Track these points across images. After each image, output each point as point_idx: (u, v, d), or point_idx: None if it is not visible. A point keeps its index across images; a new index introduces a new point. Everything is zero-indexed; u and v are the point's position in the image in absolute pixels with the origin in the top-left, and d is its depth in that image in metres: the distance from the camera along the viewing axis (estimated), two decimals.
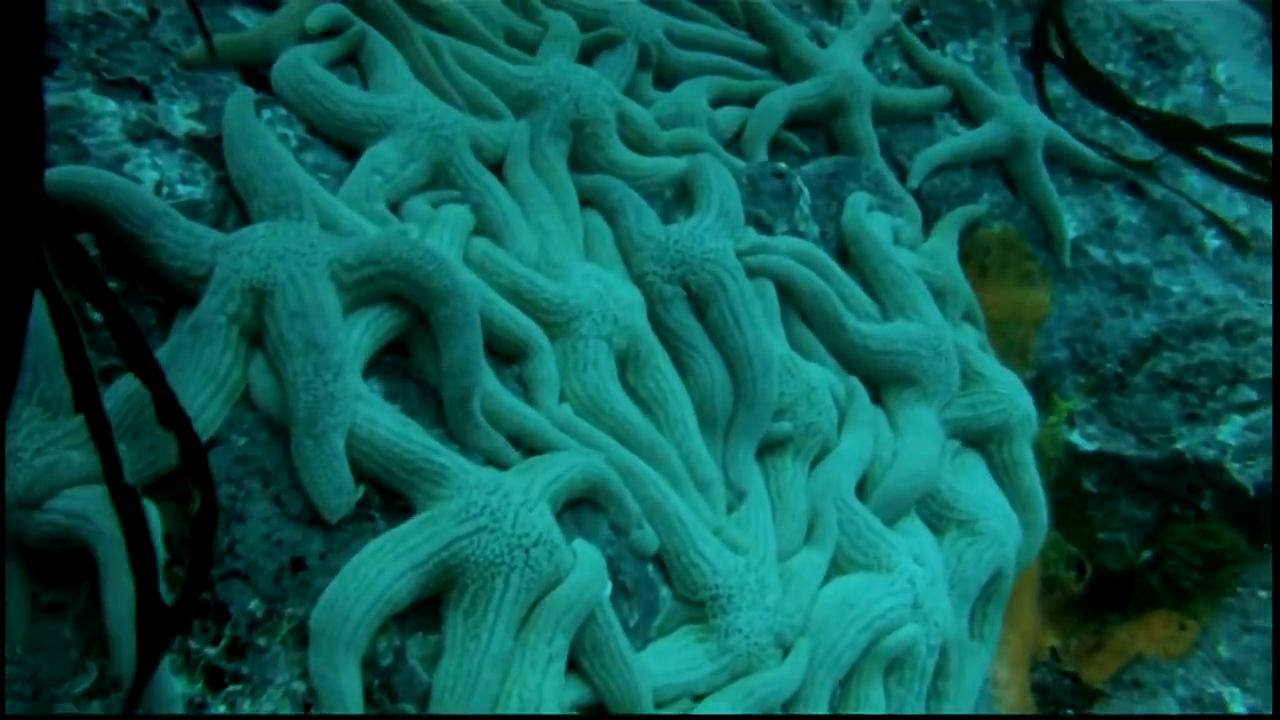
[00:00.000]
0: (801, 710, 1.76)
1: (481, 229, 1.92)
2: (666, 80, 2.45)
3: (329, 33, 2.00)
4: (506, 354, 1.80)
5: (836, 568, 1.92)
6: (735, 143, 2.43)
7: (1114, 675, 2.56)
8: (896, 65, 2.78)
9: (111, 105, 1.73)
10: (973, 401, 2.24)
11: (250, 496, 1.48)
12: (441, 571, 1.47)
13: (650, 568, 1.74)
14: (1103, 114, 2.91)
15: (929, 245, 2.47)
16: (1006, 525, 2.14)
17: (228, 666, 1.40)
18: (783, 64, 2.60)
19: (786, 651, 1.75)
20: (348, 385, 1.52)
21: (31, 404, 1.48)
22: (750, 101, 2.48)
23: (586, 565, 1.56)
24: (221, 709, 1.38)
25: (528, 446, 1.70)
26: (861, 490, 2.03)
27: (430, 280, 1.61)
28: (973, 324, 2.46)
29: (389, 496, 1.55)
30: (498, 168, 2.04)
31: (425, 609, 1.50)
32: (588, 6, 2.37)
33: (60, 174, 1.58)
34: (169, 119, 1.77)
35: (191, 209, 1.69)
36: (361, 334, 1.61)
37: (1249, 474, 2.56)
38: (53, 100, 1.69)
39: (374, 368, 1.66)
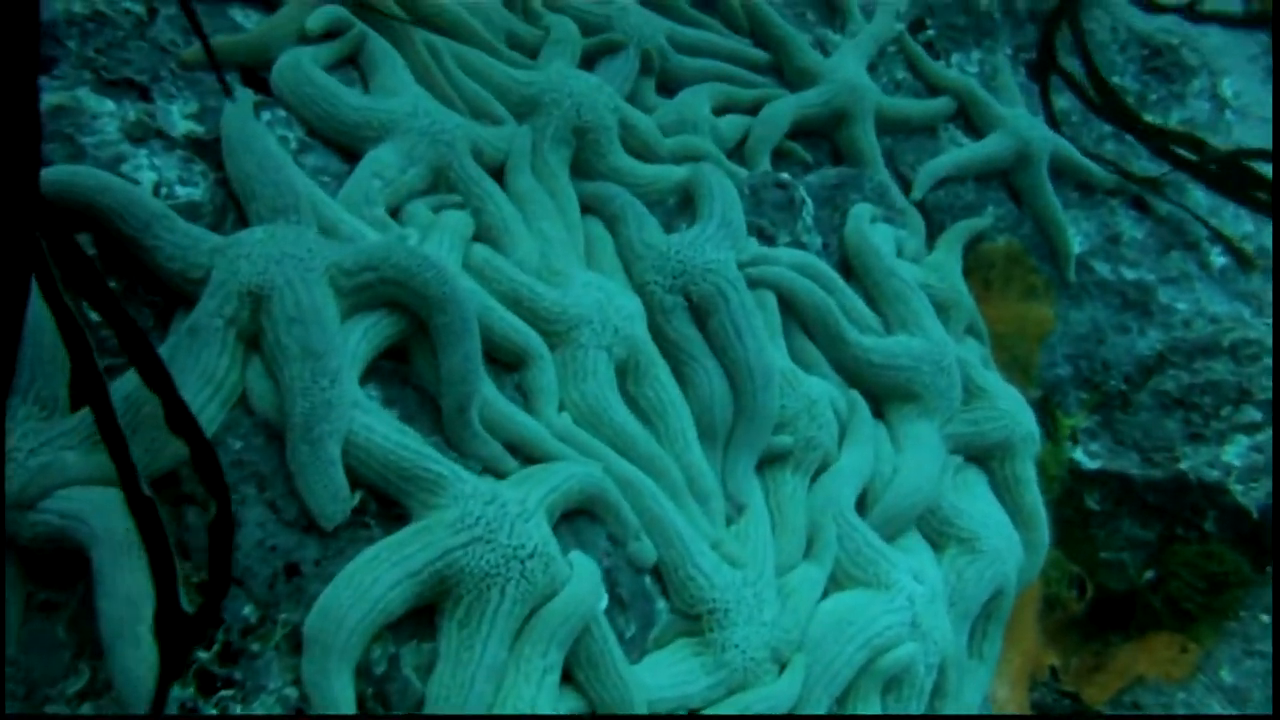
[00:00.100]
0: None
1: (482, 235, 1.90)
2: (669, 87, 2.43)
3: (329, 34, 1.98)
4: (506, 362, 1.78)
5: (835, 583, 1.89)
6: (738, 151, 2.41)
7: (1114, 696, 2.54)
8: (900, 75, 2.76)
9: (110, 105, 1.71)
10: (975, 417, 2.22)
11: (245, 502, 1.46)
12: (436, 581, 1.45)
13: (647, 580, 1.72)
14: (1108, 128, 2.89)
15: (932, 258, 2.45)
16: (1007, 543, 2.12)
17: (220, 672, 1.38)
18: (786, 72, 2.59)
19: (783, 667, 1.73)
20: (344, 392, 1.50)
21: (27, 403, 1.46)
22: (753, 110, 2.46)
23: (582, 578, 1.54)
24: (213, 713, 1.36)
25: (526, 455, 1.68)
26: (861, 505, 2.01)
27: (429, 287, 1.59)
28: (976, 338, 2.44)
29: (385, 503, 1.53)
30: (499, 173, 2.02)
31: (420, 617, 1.48)
32: (590, 11, 2.35)
33: (57, 174, 1.56)
34: (167, 119, 1.75)
35: (190, 210, 1.67)
36: (359, 340, 1.59)
37: (1252, 496, 2.54)
38: (50, 99, 1.67)
39: (372, 374, 1.64)
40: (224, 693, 1.36)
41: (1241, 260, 2.83)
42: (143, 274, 1.61)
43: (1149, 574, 2.63)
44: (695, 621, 1.71)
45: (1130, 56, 3.03)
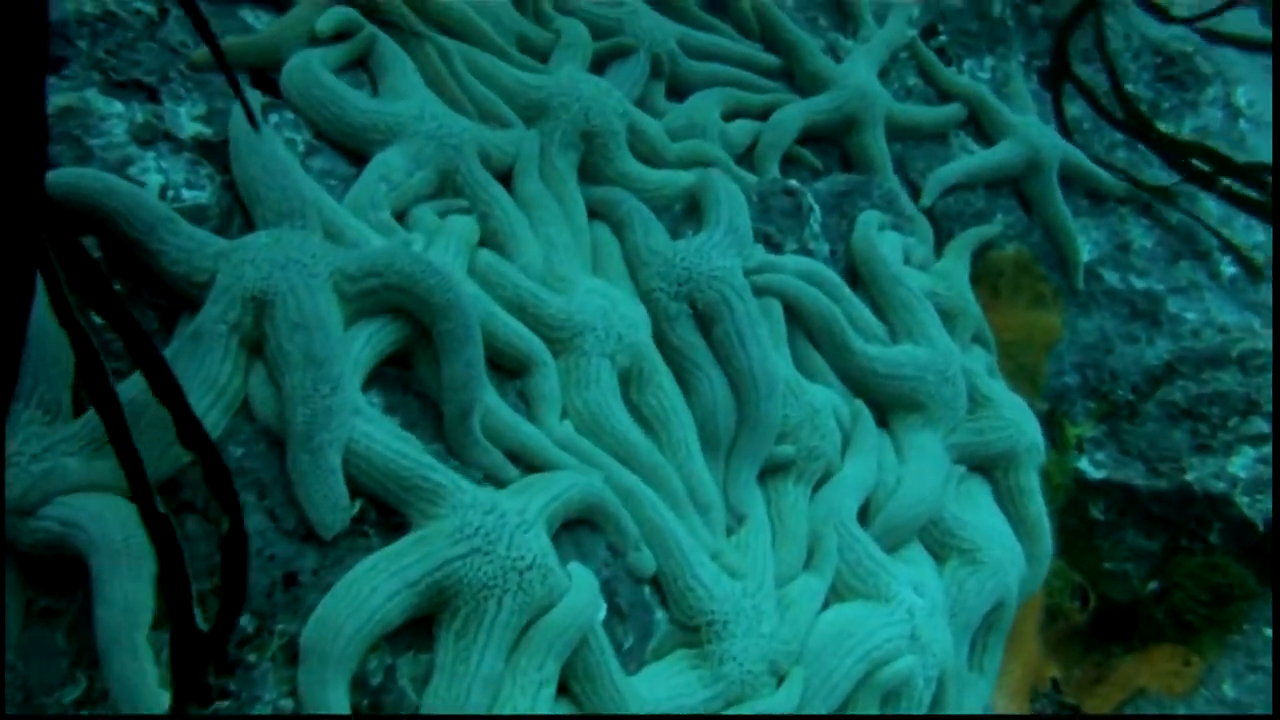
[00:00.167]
0: None
1: (488, 240, 1.90)
2: (679, 91, 2.42)
3: (340, 36, 1.98)
4: (509, 368, 1.78)
5: (836, 595, 1.89)
6: (747, 156, 2.41)
7: (1115, 708, 2.53)
8: (912, 81, 2.75)
9: (118, 106, 1.71)
10: (979, 427, 2.21)
11: (245, 510, 1.46)
12: (434, 592, 1.45)
13: (646, 590, 1.72)
14: (1119, 135, 2.88)
15: (941, 266, 2.44)
16: (1009, 555, 2.11)
17: (215, 682, 1.38)
18: (797, 78, 2.57)
19: (781, 679, 1.73)
20: (346, 399, 1.50)
21: (30, 407, 1.47)
22: (763, 115, 2.45)
23: (580, 589, 1.54)
24: None
25: (527, 463, 1.68)
26: (864, 516, 2.00)
27: (432, 294, 1.60)
28: (983, 346, 2.43)
29: (385, 512, 1.53)
30: (506, 177, 2.02)
31: (418, 627, 1.48)
32: (601, 14, 2.35)
33: (64, 176, 1.56)
34: (175, 121, 1.75)
35: (196, 214, 1.67)
36: (362, 346, 1.59)
37: (1258, 509, 2.53)
38: (59, 100, 1.67)
39: (375, 380, 1.64)
40: (219, 704, 1.36)
41: (1251, 270, 2.82)
42: (148, 277, 1.61)
43: (1152, 585, 2.62)
44: (694, 633, 1.71)
45: (1144, 64, 3.02)
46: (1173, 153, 2.84)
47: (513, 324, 1.77)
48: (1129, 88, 2.93)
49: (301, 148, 1.86)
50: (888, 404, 2.13)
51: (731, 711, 1.66)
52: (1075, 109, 2.88)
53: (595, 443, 1.76)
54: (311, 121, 1.89)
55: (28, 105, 1.28)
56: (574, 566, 1.59)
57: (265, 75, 1.92)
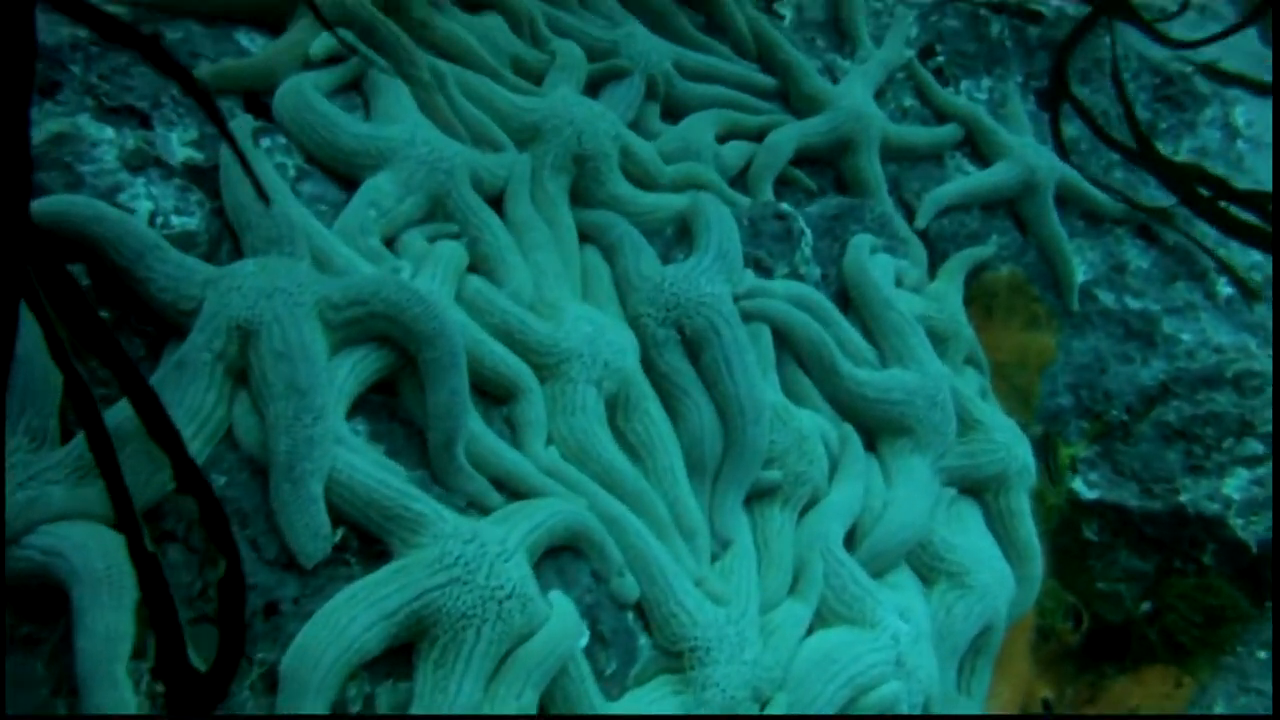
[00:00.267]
0: None
1: (478, 264, 1.91)
2: (675, 112, 2.42)
3: (333, 59, 1.99)
4: (496, 395, 1.79)
5: (821, 620, 1.89)
6: (741, 178, 2.41)
7: None
8: (908, 101, 2.75)
9: (109, 132, 1.73)
10: (970, 450, 2.21)
11: None
12: (413, 622, 1.46)
13: (630, 616, 1.73)
14: (1116, 156, 2.87)
15: (934, 288, 2.44)
16: (998, 579, 2.11)
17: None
18: (793, 99, 2.58)
19: (764, 706, 1.73)
20: (328, 429, 1.52)
21: (17, 434, 1.48)
22: (759, 136, 2.45)
23: (561, 618, 1.55)
24: None
25: (512, 490, 1.69)
26: (851, 540, 2.01)
27: (417, 323, 1.61)
28: (976, 369, 2.43)
29: (367, 541, 1.54)
30: (498, 200, 2.03)
31: (398, 655, 1.49)
32: (597, 36, 2.36)
33: (52, 203, 1.58)
34: (166, 147, 1.77)
35: (185, 240, 1.69)
36: (347, 374, 1.61)
37: (1252, 530, 2.53)
38: (51, 126, 1.69)
39: (360, 407, 1.66)
40: None
41: (1247, 291, 2.81)
42: (136, 304, 1.62)
43: (1145, 606, 2.62)
44: (677, 659, 1.72)
45: (1142, 84, 3.01)
46: (1174, 177, 2.83)
47: (499, 350, 1.78)
48: None
49: (292, 172, 1.88)
50: (876, 428, 2.14)
51: None
52: (1072, 129, 2.88)
53: (580, 469, 1.77)
54: (303, 146, 1.90)
55: (11, 134, 1.30)
56: (555, 595, 1.60)
57: (259, 99, 1.94)
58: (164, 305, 1.60)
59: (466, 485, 1.65)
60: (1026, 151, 2.69)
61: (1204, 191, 2.80)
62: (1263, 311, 2.83)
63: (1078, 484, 2.64)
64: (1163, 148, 2.90)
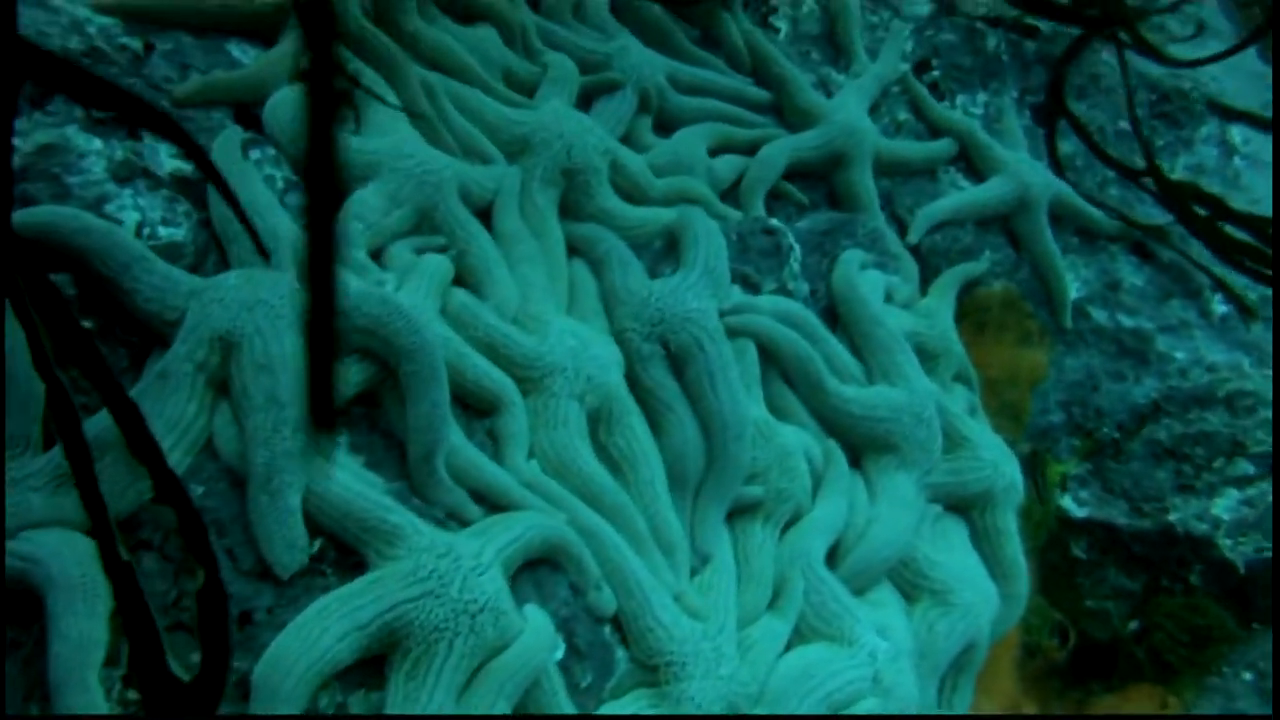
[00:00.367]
0: None
1: (464, 277, 1.92)
2: (668, 126, 2.43)
3: None
4: (478, 408, 1.80)
5: (800, 637, 1.90)
6: (733, 192, 2.41)
7: None
8: (903, 116, 2.75)
9: (97, 144, 1.74)
10: (957, 467, 2.22)
11: None
12: (386, 634, 1.47)
13: (607, 629, 1.74)
14: (1111, 173, 2.87)
15: (925, 304, 2.44)
16: (982, 597, 2.11)
17: None
18: (786, 113, 2.58)
19: None
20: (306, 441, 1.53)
21: None
22: (751, 150, 2.46)
23: (534, 632, 1.56)
24: None
25: (491, 503, 1.71)
26: (833, 557, 2.02)
27: (398, 337, 1.62)
28: (966, 385, 2.43)
29: (344, 551, 1.56)
30: (487, 213, 2.04)
31: (370, 666, 1.50)
32: (590, 49, 2.37)
33: (39, 214, 1.59)
34: (154, 158, 1.78)
35: (171, 251, 1.70)
36: None
37: (1240, 551, 2.53)
38: (39, 137, 1.70)
39: (341, 418, 1.67)
40: None
41: (1243, 309, 2.81)
42: (121, 314, 1.64)
43: (1133, 625, 2.62)
44: (653, 673, 1.73)
45: (1138, 101, 3.00)
46: (1177, 199, 2.82)
47: (482, 364, 1.79)
48: (1123, 124, 2.93)
49: (280, 184, 1.89)
50: (862, 445, 2.14)
51: None
52: (1067, 145, 2.88)
53: (561, 482, 1.78)
54: (291, 158, 1.91)
55: None
56: (529, 609, 1.61)
57: (249, 111, 1.95)
58: (149, 316, 1.61)
59: (446, 498, 1.66)
60: (1021, 167, 2.69)
61: (1202, 211, 2.79)
62: (1258, 330, 2.82)
63: (1067, 501, 2.65)
64: (1160, 166, 2.90)
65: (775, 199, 2.47)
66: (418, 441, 1.64)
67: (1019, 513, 2.32)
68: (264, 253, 1.71)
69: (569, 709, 1.60)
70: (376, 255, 1.88)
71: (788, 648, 1.88)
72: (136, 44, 1.91)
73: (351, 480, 1.55)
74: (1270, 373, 2.71)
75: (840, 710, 1.82)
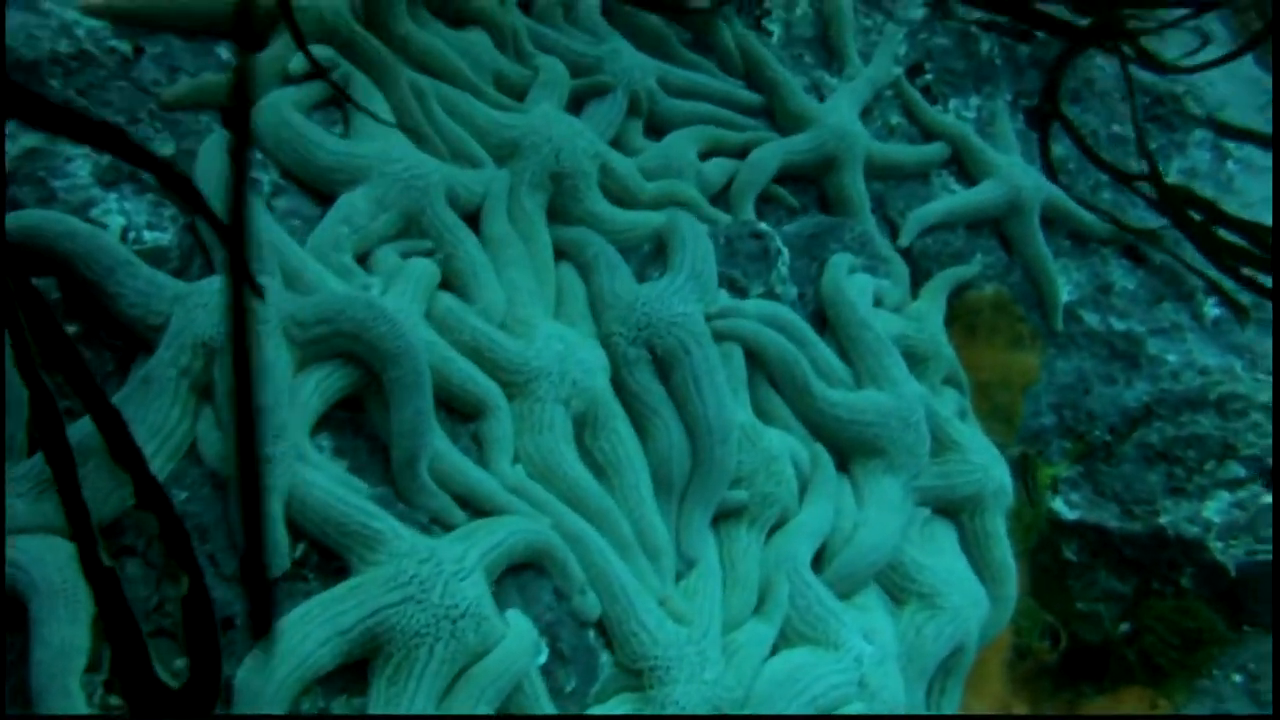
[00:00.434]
0: None
1: (451, 281, 1.93)
2: (659, 129, 2.43)
3: (315, 74, 2.01)
4: (464, 412, 1.81)
5: (785, 641, 1.90)
6: (723, 195, 2.41)
7: None
8: (895, 119, 2.75)
9: (84, 147, 1.75)
10: (946, 470, 2.22)
11: None
12: (368, 639, 1.48)
13: (591, 634, 1.74)
14: (1104, 176, 2.87)
15: (915, 307, 2.44)
16: (970, 600, 2.11)
17: None
18: (778, 116, 2.58)
19: None
20: (289, 447, 1.53)
21: None
22: (742, 153, 2.45)
23: (516, 637, 1.57)
24: None
25: (476, 508, 1.71)
26: (820, 561, 2.02)
27: (382, 341, 1.63)
28: (956, 388, 2.43)
29: (326, 556, 1.56)
30: (475, 216, 2.04)
31: (353, 670, 1.51)
32: (581, 52, 2.37)
33: (24, 218, 1.60)
34: None
35: (156, 255, 1.71)
36: (311, 392, 1.63)
37: (1231, 554, 2.53)
38: (26, 141, 1.71)
39: (325, 423, 1.68)
40: None
41: (1237, 311, 2.81)
42: (106, 318, 1.64)
43: (1124, 627, 2.62)
44: (637, 677, 1.73)
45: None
46: (1176, 208, 2.81)
47: (468, 368, 1.79)
48: (1116, 128, 2.93)
49: (268, 187, 1.89)
50: (849, 449, 2.14)
51: None
52: (1060, 149, 2.87)
53: (546, 487, 1.78)
54: (279, 162, 1.92)
55: None
56: (512, 613, 1.61)
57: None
58: (133, 320, 1.62)
59: (429, 502, 1.66)
60: (1013, 171, 2.69)
61: (1197, 216, 2.79)
62: (1251, 333, 2.82)
63: (1058, 504, 2.65)
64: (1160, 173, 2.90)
65: (766, 202, 2.47)
66: (401, 446, 1.65)
67: (1009, 515, 2.33)
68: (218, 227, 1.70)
69: (551, 712, 1.60)
70: (363, 259, 1.89)
71: (773, 652, 1.88)
72: (126, 47, 1.91)
73: (334, 485, 1.56)
74: (1262, 376, 2.71)
75: (826, 714, 1.82)
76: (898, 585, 2.09)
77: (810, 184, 2.56)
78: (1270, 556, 2.52)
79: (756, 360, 2.10)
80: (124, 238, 1.70)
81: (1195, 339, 2.78)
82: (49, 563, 1.40)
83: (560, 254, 2.11)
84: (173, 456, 1.55)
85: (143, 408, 1.53)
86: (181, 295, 1.61)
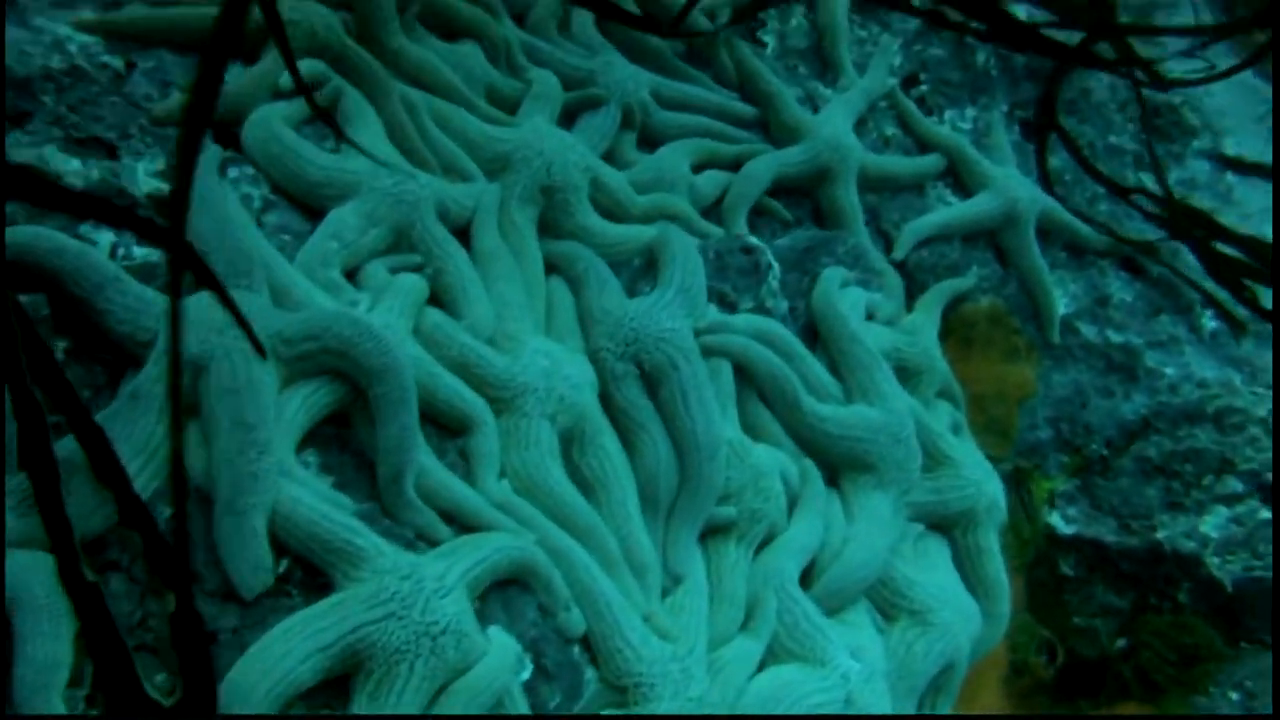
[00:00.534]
0: None
1: (440, 296, 1.93)
2: (652, 141, 2.43)
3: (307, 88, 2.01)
4: (451, 427, 1.81)
5: (772, 657, 1.90)
6: (717, 208, 2.42)
7: None
8: (890, 131, 2.75)
9: (75, 164, 1.76)
10: (939, 486, 2.22)
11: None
12: (349, 655, 1.48)
13: (576, 650, 1.74)
14: (1101, 188, 2.87)
15: (909, 321, 2.44)
16: (961, 616, 2.11)
17: None
18: (772, 128, 2.57)
19: None
20: (274, 463, 1.54)
21: None
22: (735, 166, 2.45)
23: (498, 653, 1.57)
24: None
25: (461, 523, 1.71)
26: (809, 577, 2.02)
27: (369, 358, 1.63)
28: (950, 402, 2.43)
29: (311, 572, 1.56)
30: (466, 230, 2.05)
31: (336, 686, 1.51)
32: (575, 65, 2.37)
33: (15, 234, 1.60)
34: (131, 178, 1.79)
35: (145, 272, 1.71)
36: (298, 408, 1.63)
37: (1228, 569, 2.52)
38: (17, 157, 1.72)
39: (312, 439, 1.68)
40: None
41: (1234, 325, 2.80)
42: (96, 333, 1.65)
43: (1121, 642, 2.61)
44: (622, 694, 1.73)
45: (1130, 116, 3.00)
46: (1178, 220, 2.81)
47: (455, 384, 1.80)
48: (1112, 139, 2.93)
49: (258, 203, 1.90)
50: (839, 464, 2.14)
51: None
52: (1056, 160, 2.87)
53: (531, 503, 1.78)
54: (270, 177, 1.92)
55: None
56: (494, 630, 1.62)
57: (229, 129, 1.96)
58: (122, 337, 1.62)
59: (415, 518, 1.67)
60: (1009, 183, 2.69)
61: (1198, 232, 2.79)
62: (1249, 346, 2.81)
63: (1055, 519, 2.64)
64: (1149, 180, 2.89)
65: (759, 215, 2.47)
66: (387, 463, 1.65)
67: (1006, 530, 2.32)
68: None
69: None
70: (353, 275, 1.89)
71: (760, 668, 1.88)
72: (118, 62, 1.92)
73: (318, 501, 1.56)
74: (1261, 389, 2.70)
75: None
76: (888, 601, 2.09)
77: (805, 196, 2.56)
78: (1267, 573, 2.51)
79: (746, 375, 2.10)
80: (113, 254, 1.71)
81: (1193, 352, 2.77)
82: (33, 578, 1.41)
83: (551, 268, 2.11)
84: (159, 473, 1.55)
85: (130, 424, 1.54)
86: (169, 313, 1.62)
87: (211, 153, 1.86)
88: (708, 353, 2.03)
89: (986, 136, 2.82)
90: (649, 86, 2.42)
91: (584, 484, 1.87)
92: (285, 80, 1.99)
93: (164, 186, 1.81)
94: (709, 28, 2.59)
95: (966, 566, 2.24)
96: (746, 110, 2.59)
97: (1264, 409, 2.64)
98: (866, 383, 2.17)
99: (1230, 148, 3.07)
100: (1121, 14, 2.96)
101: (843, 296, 2.27)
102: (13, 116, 1.78)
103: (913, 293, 2.56)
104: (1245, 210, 2.97)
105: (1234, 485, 2.58)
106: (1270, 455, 2.58)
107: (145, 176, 1.81)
